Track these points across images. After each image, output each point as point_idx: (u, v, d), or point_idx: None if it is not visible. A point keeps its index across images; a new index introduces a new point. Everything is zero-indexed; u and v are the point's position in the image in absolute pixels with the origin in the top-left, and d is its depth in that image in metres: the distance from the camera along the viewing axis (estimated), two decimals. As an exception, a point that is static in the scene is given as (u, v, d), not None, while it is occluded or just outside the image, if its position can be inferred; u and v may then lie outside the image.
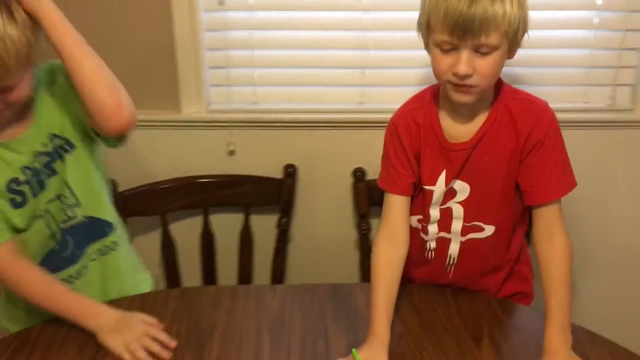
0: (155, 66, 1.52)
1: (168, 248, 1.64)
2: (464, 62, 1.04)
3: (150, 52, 1.52)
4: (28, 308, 1.24)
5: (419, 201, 1.24)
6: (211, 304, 1.25)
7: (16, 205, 1.13)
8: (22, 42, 1.00)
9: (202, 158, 1.61)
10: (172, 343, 1.12)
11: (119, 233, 1.30)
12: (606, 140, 1.60)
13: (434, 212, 1.23)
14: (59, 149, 1.17)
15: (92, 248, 1.25)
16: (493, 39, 1.03)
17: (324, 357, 1.10)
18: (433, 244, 1.26)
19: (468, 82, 1.06)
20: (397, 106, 1.59)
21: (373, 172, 1.58)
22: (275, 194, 1.61)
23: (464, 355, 1.11)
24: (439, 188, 1.20)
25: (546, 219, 1.14)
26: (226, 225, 1.66)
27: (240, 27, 1.53)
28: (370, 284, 1.18)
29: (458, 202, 1.20)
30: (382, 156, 1.26)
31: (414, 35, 1.40)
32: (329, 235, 1.69)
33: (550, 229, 1.13)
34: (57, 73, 1.16)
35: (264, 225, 1.66)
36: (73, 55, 1.06)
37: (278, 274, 1.66)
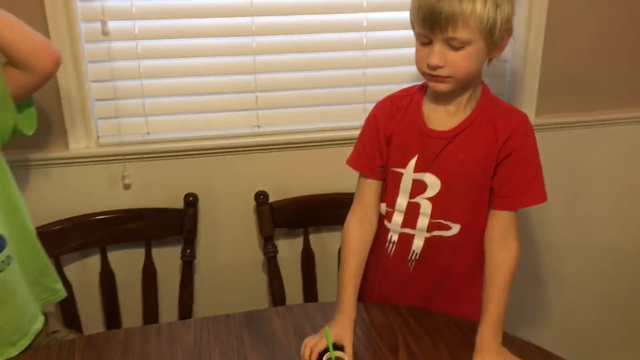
0: (40, 101, 1.43)
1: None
2: (435, 53, 1.11)
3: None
4: None
5: (388, 188, 1.27)
6: (121, 349, 1.19)
7: None
8: None
9: (96, 194, 1.53)
10: None
11: (13, 247, 1.21)
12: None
13: (401, 201, 1.25)
14: None
15: None
16: (462, 34, 1.09)
17: (247, 388, 1.09)
18: (395, 237, 1.28)
19: (441, 73, 1.13)
20: (294, 127, 1.63)
21: (275, 194, 1.59)
22: (177, 224, 1.57)
23: (383, 366, 1.14)
24: (408, 172, 1.23)
25: (504, 223, 1.20)
26: (127, 262, 1.60)
27: (126, 57, 1.48)
28: (341, 263, 1.25)
29: (427, 198, 1.23)
30: (358, 137, 1.30)
31: (304, 57, 1.42)
32: (236, 261, 1.67)
33: (506, 233, 1.20)
34: None
35: (167, 259, 1.61)
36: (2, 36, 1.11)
37: (186, 308, 1.62)
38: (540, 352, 1.20)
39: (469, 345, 1.18)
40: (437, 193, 1.22)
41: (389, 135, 1.25)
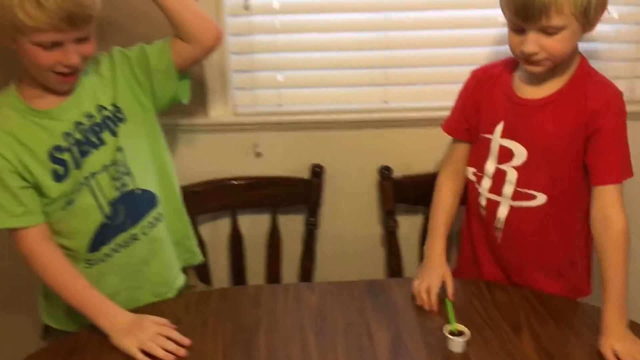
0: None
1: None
2: (529, 41, 1.14)
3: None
4: (67, 308, 1.27)
5: (476, 152, 1.32)
6: (252, 304, 1.28)
7: (58, 177, 1.18)
8: None
9: (230, 161, 1.63)
10: (186, 341, 1.15)
11: (163, 207, 1.33)
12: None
13: (489, 166, 1.29)
14: (108, 121, 1.23)
15: (145, 221, 1.29)
16: (556, 21, 1.10)
17: (369, 350, 1.13)
18: (484, 202, 1.32)
19: (536, 58, 1.15)
20: (421, 104, 1.64)
21: (398, 169, 1.61)
22: (303, 193, 1.64)
23: (505, 345, 1.14)
24: (495, 138, 1.26)
25: (602, 202, 1.19)
26: (254, 226, 1.69)
27: (264, 31, 1.55)
28: (431, 212, 1.34)
29: (513, 167, 1.25)
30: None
31: (436, 34, 1.43)
32: (356, 232, 1.71)
33: (605, 212, 1.18)
34: (112, 58, 1.27)
35: (292, 225, 1.68)
36: (171, 5, 1.22)
37: (306, 273, 1.69)
38: None
39: (594, 328, 1.15)
40: (524, 162, 1.24)
41: (477, 103, 1.30)
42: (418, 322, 1.21)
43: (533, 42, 1.14)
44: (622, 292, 1.14)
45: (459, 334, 1.13)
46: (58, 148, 1.19)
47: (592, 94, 1.19)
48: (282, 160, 1.64)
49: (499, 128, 1.26)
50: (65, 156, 1.19)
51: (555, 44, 1.14)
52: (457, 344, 1.12)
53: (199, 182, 1.61)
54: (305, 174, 1.63)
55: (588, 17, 1.12)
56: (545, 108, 1.21)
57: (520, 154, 1.25)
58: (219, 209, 1.65)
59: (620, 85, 1.55)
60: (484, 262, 1.37)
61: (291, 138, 1.63)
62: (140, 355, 1.11)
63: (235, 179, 1.63)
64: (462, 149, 1.37)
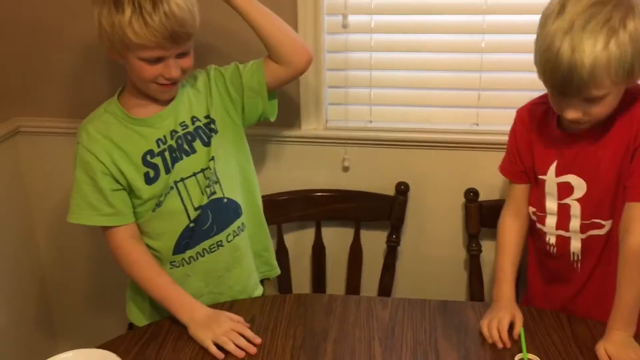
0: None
1: (281, 257, 1.71)
2: (571, 110, 1.12)
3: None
4: (151, 306, 1.37)
5: (534, 192, 1.30)
6: (324, 311, 1.31)
7: (149, 180, 1.27)
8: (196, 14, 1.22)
9: (318, 173, 1.69)
10: (257, 339, 1.19)
11: (246, 217, 1.40)
12: None
13: (550, 204, 1.26)
14: (200, 131, 1.31)
15: (230, 229, 1.36)
16: (597, 93, 1.07)
17: (435, 370, 1.13)
18: (553, 239, 1.29)
19: (584, 121, 1.13)
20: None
21: (485, 193, 1.59)
22: (386, 210, 1.65)
23: (580, 381, 1.09)
24: (550, 178, 1.24)
25: (628, 215, 1.15)
26: (337, 238, 1.73)
27: (360, 48, 1.60)
28: (497, 255, 1.33)
29: (575, 199, 1.22)
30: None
31: (529, 57, 1.41)
32: (437, 253, 1.70)
33: (627, 226, 1.14)
34: (208, 74, 1.36)
35: (374, 241, 1.70)
36: (259, 21, 1.29)
37: (385, 289, 1.69)
38: None
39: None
40: (585, 194, 1.20)
41: (529, 144, 1.28)
42: (489, 347, 1.18)
43: (575, 110, 1.11)
44: (630, 304, 1.14)
45: None
46: (151, 153, 1.27)
47: (637, 113, 1.14)
48: (368, 175, 1.67)
49: (553, 168, 1.23)
50: (157, 160, 1.28)
51: (599, 110, 1.11)
52: None
53: (287, 192, 1.67)
54: (390, 191, 1.65)
55: (633, 76, 1.08)
56: (595, 137, 1.17)
57: (580, 186, 1.21)
58: (304, 219, 1.71)
59: None
60: (557, 297, 1.33)
61: (379, 154, 1.65)
62: (213, 348, 1.17)
63: (321, 190, 1.68)
64: (522, 189, 1.33)
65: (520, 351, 1.12)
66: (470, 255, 1.63)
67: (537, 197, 1.30)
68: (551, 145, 1.24)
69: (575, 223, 1.24)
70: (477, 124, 1.61)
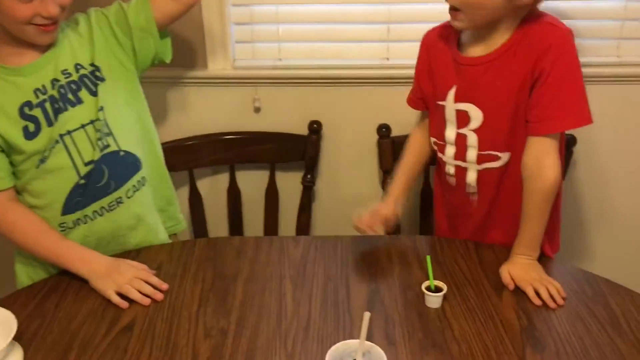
0: (183, 23, 1.53)
1: (195, 203, 1.67)
2: None
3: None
4: (45, 264, 1.27)
5: (435, 121, 1.29)
6: (235, 253, 1.28)
7: (29, 134, 1.17)
8: None
9: (229, 115, 1.63)
10: (164, 285, 1.16)
11: (146, 170, 1.32)
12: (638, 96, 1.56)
13: (449, 133, 1.25)
14: (86, 79, 1.21)
15: (129, 184, 1.28)
16: None
17: (345, 303, 1.12)
18: (452, 170, 1.29)
19: (458, 17, 1.13)
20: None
21: (398, 128, 1.58)
22: (300, 150, 1.62)
23: (484, 303, 1.12)
24: (449, 104, 1.23)
25: (536, 150, 1.15)
26: (252, 182, 1.69)
27: (265, -18, 1.53)
28: (400, 160, 1.36)
29: (472, 130, 1.22)
30: None
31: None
32: (353, 191, 1.70)
33: (539, 161, 1.15)
34: (89, 18, 1.26)
35: (290, 182, 1.68)
36: None
37: (303, 229, 1.68)
38: (581, 272, 1.21)
39: (582, 294, 1.13)
40: (481, 124, 1.20)
41: (429, 68, 1.27)
42: (398, 278, 1.19)
43: None
44: (536, 235, 1.18)
45: (437, 290, 1.11)
46: (29, 104, 1.17)
47: (535, 39, 1.12)
48: (280, 115, 1.63)
49: (452, 93, 1.22)
50: (37, 112, 1.17)
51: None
52: (433, 300, 1.10)
53: (197, 136, 1.61)
54: (303, 130, 1.62)
55: None
56: (492, 65, 1.16)
57: (477, 116, 1.20)
58: (217, 164, 1.66)
59: (608, 44, 1.53)
60: (461, 232, 1.35)
61: (290, 93, 1.61)
62: (115, 298, 1.12)
63: (233, 133, 1.63)
64: (424, 114, 1.36)
65: (428, 279, 1.13)
66: (385, 191, 1.62)
67: (437, 125, 1.29)
68: (451, 69, 1.22)
69: (472, 153, 1.24)
70: (388, 59, 1.59)
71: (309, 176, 1.64)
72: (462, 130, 1.23)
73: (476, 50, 1.18)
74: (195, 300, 1.14)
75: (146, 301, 1.12)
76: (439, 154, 1.31)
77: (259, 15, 1.56)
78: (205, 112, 1.62)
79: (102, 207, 1.26)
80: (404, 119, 1.58)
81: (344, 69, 1.59)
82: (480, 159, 1.23)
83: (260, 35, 1.59)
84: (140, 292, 1.13)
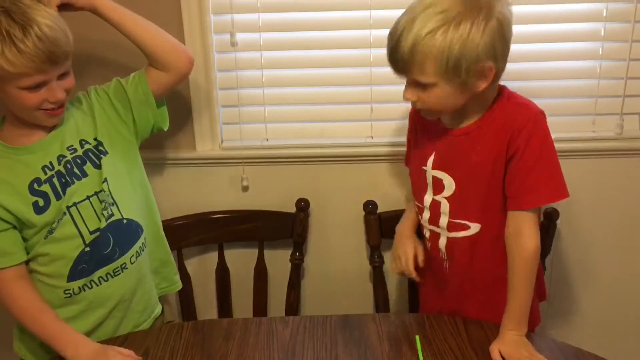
0: (171, 105, 1.58)
1: (184, 282, 1.65)
2: (406, 89, 1.19)
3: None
4: (40, 341, 1.27)
5: (416, 185, 1.35)
6: (223, 337, 1.27)
7: (38, 210, 1.21)
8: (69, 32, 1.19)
9: (217, 194, 1.65)
10: None
11: (145, 235, 1.37)
12: (615, 168, 1.60)
13: (427, 197, 1.30)
14: (91, 154, 1.27)
15: (133, 250, 1.31)
16: (423, 78, 1.13)
17: (335, 387, 1.11)
18: (427, 234, 1.33)
19: (417, 106, 1.20)
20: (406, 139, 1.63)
21: (384, 204, 1.61)
22: (288, 228, 1.63)
23: (476, 384, 1.10)
24: (428, 169, 1.28)
25: (516, 222, 1.19)
26: (241, 260, 1.69)
27: (251, 66, 1.58)
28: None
29: (445, 197, 1.26)
30: None
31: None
32: (342, 267, 1.70)
33: (519, 232, 1.18)
34: (89, 96, 1.33)
35: (278, 259, 1.68)
36: (134, 30, 1.28)
37: (292, 307, 1.67)
38: (569, 348, 1.20)
39: (570, 370, 1.12)
40: (453, 193, 1.25)
41: (416, 134, 1.34)
42: (389, 358, 1.18)
43: (410, 91, 1.17)
44: (522, 305, 1.18)
45: None
46: (38, 181, 1.22)
47: (508, 118, 1.17)
48: (268, 194, 1.65)
49: (431, 159, 1.28)
50: (46, 188, 1.22)
51: (431, 99, 1.16)
52: None
53: (185, 216, 1.62)
54: (291, 208, 1.63)
55: (460, 77, 1.11)
56: (467, 138, 1.22)
57: (449, 185, 1.26)
58: (205, 242, 1.66)
59: (583, 121, 1.59)
60: (431, 296, 1.38)
61: (277, 172, 1.64)
62: None
63: (221, 212, 1.64)
64: None
65: (418, 359, 1.12)
66: (373, 267, 1.63)
67: (417, 189, 1.34)
68: (432, 137, 1.28)
69: (443, 220, 1.28)
70: (372, 137, 1.63)
71: (297, 254, 1.64)
72: (437, 197, 1.28)
73: (454, 122, 1.24)
74: (182, 388, 1.12)
75: None
76: (419, 216, 1.36)
77: (246, 97, 1.61)
78: (193, 192, 1.64)
79: (108, 274, 1.29)
80: (389, 195, 1.62)
81: (330, 148, 1.62)
82: (450, 227, 1.27)
83: (247, 116, 1.63)
84: None
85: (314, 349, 1.22)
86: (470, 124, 1.21)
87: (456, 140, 1.23)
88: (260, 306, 1.69)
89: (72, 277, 1.26)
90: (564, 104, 1.59)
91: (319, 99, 1.61)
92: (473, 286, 1.30)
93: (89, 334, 1.28)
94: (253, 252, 1.67)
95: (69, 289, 1.27)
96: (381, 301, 1.63)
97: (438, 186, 1.27)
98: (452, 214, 1.26)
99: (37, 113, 1.19)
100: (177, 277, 1.51)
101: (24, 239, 1.24)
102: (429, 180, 1.28)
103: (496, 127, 1.18)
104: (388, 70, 1.53)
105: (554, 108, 1.57)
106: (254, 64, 1.58)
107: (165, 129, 1.40)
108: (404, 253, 1.32)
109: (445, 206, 1.26)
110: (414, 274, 1.30)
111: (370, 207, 1.60)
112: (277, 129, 1.64)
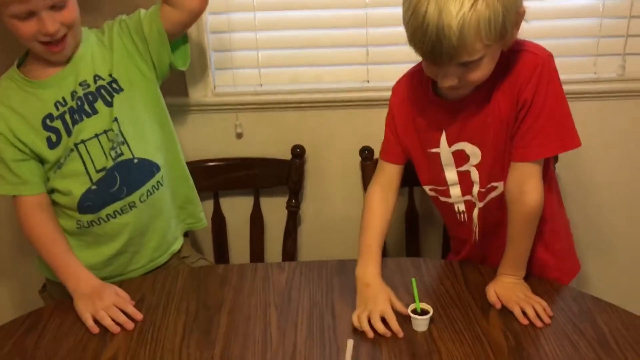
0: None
1: (180, 232, 1.65)
2: (447, 76, 1.05)
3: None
4: None
5: (427, 169, 1.25)
6: (219, 282, 1.27)
7: (51, 145, 1.23)
8: None
9: (211, 141, 1.62)
10: (138, 315, 1.15)
11: (163, 173, 1.36)
12: (617, 110, 1.57)
13: (450, 175, 1.23)
14: (103, 90, 1.26)
15: (143, 189, 1.31)
16: (471, 57, 1.01)
17: (331, 330, 1.11)
18: (462, 207, 1.26)
19: (456, 87, 1.07)
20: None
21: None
22: (284, 175, 1.62)
23: (471, 325, 1.10)
24: (443, 149, 1.21)
25: (519, 175, 1.14)
26: (236, 208, 1.68)
27: (243, 9, 1.53)
28: (361, 230, 1.25)
29: (473, 166, 1.20)
30: None
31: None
32: (338, 214, 1.69)
33: (521, 186, 1.14)
34: (112, 28, 1.31)
35: (274, 207, 1.67)
36: None
37: (289, 255, 1.67)
38: (567, 290, 1.20)
39: (566, 310, 1.12)
40: (480, 160, 1.18)
41: (409, 119, 1.23)
42: (384, 302, 1.17)
43: (450, 78, 1.05)
44: (521, 255, 1.18)
45: (424, 313, 1.10)
46: (50, 116, 1.23)
47: (516, 70, 1.10)
48: (263, 141, 1.63)
49: (443, 138, 1.19)
50: (57, 124, 1.23)
51: (477, 74, 1.05)
52: (419, 323, 1.09)
53: (179, 163, 1.60)
54: (287, 155, 1.61)
55: (505, 37, 1.03)
56: (479, 102, 1.14)
57: (474, 153, 1.18)
58: (200, 191, 1.63)
59: (584, 62, 1.54)
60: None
61: (272, 118, 1.61)
62: (89, 322, 1.13)
63: (216, 160, 1.62)
64: (394, 170, 1.28)
65: (414, 301, 1.12)
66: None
67: (432, 173, 1.25)
68: (435, 116, 1.19)
69: (475, 188, 1.22)
70: (368, 81, 1.59)
71: (293, 201, 1.63)
72: (463, 168, 1.21)
73: (457, 94, 1.15)
74: (178, 332, 1.12)
75: (115, 329, 1.13)
76: (442, 198, 1.27)
77: (239, 41, 1.56)
78: (187, 140, 1.61)
79: (115, 211, 1.30)
80: (386, 140, 1.59)
81: (325, 93, 1.59)
82: (483, 194, 1.22)
83: (240, 61, 1.59)
84: (114, 320, 1.13)
85: (310, 293, 1.22)
86: (479, 86, 1.12)
87: (469, 107, 1.15)
88: (257, 254, 1.69)
89: (80, 212, 1.28)
90: (564, 45, 1.55)
91: (313, 42, 1.57)
92: (497, 242, 1.24)
93: (101, 265, 1.32)
94: (249, 200, 1.66)
95: (80, 221, 1.29)
96: (378, 247, 1.63)
97: (461, 158, 1.20)
98: (483, 181, 1.20)
99: (35, 45, 1.18)
100: (203, 214, 1.51)
101: None
102: (447, 158, 1.21)
103: (505, 81, 1.11)
104: (384, 12, 1.52)
105: (555, 49, 1.50)
106: (246, 6, 1.53)
107: (184, 68, 1.39)
108: (383, 314, 1.10)
109: (475, 174, 1.20)
110: (401, 334, 1.08)
111: (366, 153, 1.57)
112: (271, 74, 1.60)
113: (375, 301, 1.12)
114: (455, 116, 1.17)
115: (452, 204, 1.27)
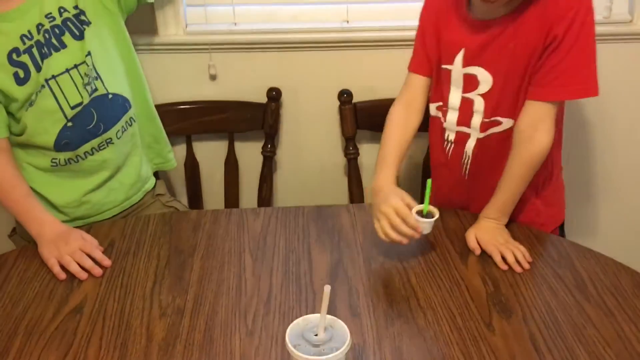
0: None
1: (151, 177, 1.60)
2: None
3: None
4: None
5: (438, 86, 1.22)
6: (192, 228, 1.23)
7: (19, 81, 1.17)
8: None
9: (183, 83, 1.55)
10: (105, 261, 1.12)
11: (135, 109, 1.34)
12: (604, 54, 1.53)
13: (454, 98, 1.19)
14: (70, 23, 1.20)
15: (119, 125, 1.29)
16: None
17: (307, 276, 1.08)
18: (452, 136, 1.23)
19: None
20: (384, 24, 1.53)
21: (360, 93, 1.53)
22: (259, 118, 1.56)
23: (449, 270, 1.09)
24: (456, 68, 1.16)
25: (534, 114, 1.11)
26: (210, 153, 1.63)
27: (216, -59, 1.44)
28: (383, 139, 1.22)
29: (480, 95, 1.16)
30: None
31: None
32: (315, 160, 1.65)
33: (535, 125, 1.10)
34: None
35: (249, 152, 1.62)
36: None
37: (265, 201, 1.63)
38: (545, 236, 1.18)
39: (545, 257, 1.11)
40: (490, 89, 1.14)
41: (436, 29, 1.19)
42: (362, 248, 1.15)
43: None
44: (510, 198, 1.15)
45: (430, 217, 1.08)
46: (17, 51, 1.16)
47: (551, 7, 1.05)
48: (237, 83, 1.56)
49: (460, 56, 1.15)
50: (25, 58, 1.17)
51: None
52: (425, 226, 1.07)
53: (149, 106, 1.53)
54: (262, 98, 1.55)
55: None
56: (507, 27, 1.09)
57: (485, 80, 1.14)
58: (172, 134, 1.57)
59: (601, 3, 1.49)
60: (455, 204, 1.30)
61: (247, 59, 1.54)
62: (55, 268, 1.09)
63: (188, 102, 1.55)
64: (421, 81, 1.24)
65: (419, 203, 1.09)
66: (348, 159, 1.58)
67: (440, 90, 1.21)
68: (460, 32, 1.14)
69: (477, 119, 1.17)
70: (348, 21, 1.53)
71: (269, 145, 1.58)
72: (469, 95, 1.17)
73: (488, 12, 1.10)
74: (149, 278, 1.08)
75: (83, 276, 1.08)
76: (441, 120, 1.23)
77: (211, -24, 1.48)
78: (157, 81, 1.54)
79: (93, 148, 1.27)
80: (365, 84, 1.54)
81: (302, 33, 1.52)
82: (483, 125, 1.17)
83: (213, -2, 1.51)
84: (81, 266, 1.09)
85: (286, 239, 1.19)
86: (509, 11, 1.08)
87: (495, 30, 1.09)
88: (231, 200, 1.65)
89: (57, 149, 1.24)
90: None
91: (290, -22, 1.49)
92: (491, 187, 1.20)
93: (76, 203, 1.30)
94: (223, 145, 1.60)
95: (56, 159, 1.25)
96: (356, 194, 1.60)
97: (471, 83, 1.15)
98: (487, 111, 1.15)
99: None
100: (172, 155, 1.48)
101: (11, 114, 1.20)
102: (456, 79, 1.16)
103: (538, 11, 1.06)
104: (365, -54, 1.44)
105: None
106: (219, -63, 1.44)
107: (150, 1, 1.35)
108: (399, 213, 1.05)
109: (479, 104, 1.15)
110: (405, 241, 1.06)
111: (345, 96, 1.52)
112: (245, 12, 1.52)
113: (387, 201, 1.07)
114: (479, 36, 1.12)
115: (444, 130, 1.23)
